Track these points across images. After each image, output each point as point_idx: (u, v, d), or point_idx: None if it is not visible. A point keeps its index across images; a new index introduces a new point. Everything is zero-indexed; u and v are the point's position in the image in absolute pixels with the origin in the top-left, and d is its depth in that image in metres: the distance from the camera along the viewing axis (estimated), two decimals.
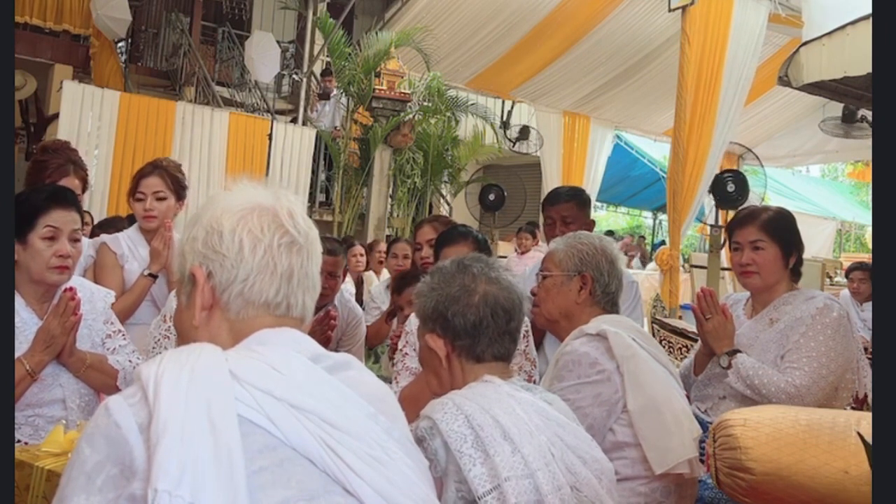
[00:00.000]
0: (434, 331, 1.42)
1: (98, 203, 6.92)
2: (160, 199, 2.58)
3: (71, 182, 2.44)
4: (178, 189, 2.64)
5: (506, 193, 9.11)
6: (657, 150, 12.05)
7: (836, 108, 8.42)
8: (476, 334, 1.39)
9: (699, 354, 2.28)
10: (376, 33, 8.62)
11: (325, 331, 2.56)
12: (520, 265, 6.50)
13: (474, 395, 1.32)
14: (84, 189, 2.60)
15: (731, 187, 6.24)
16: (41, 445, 1.56)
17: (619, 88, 9.62)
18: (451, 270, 1.44)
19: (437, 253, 2.49)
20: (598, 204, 13.31)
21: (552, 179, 9.68)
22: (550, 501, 1.22)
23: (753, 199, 9.20)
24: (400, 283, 2.97)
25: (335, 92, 9.21)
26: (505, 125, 10.02)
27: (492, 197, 9.11)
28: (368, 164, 8.68)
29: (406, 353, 2.25)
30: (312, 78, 9.45)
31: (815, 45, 4.13)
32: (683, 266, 7.66)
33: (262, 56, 8.67)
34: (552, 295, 1.90)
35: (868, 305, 5.58)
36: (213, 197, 1.01)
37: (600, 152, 10.39)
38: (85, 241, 2.41)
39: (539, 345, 2.54)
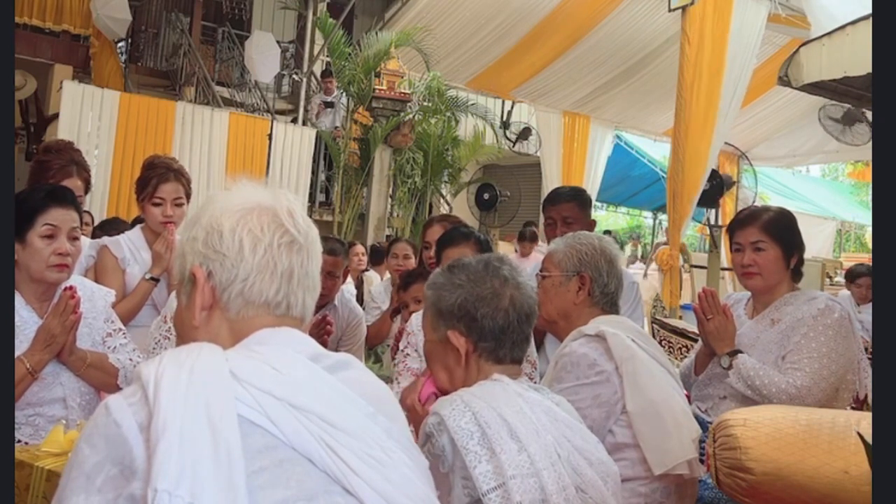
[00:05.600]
0: (457, 328, 1.41)
1: (98, 203, 6.92)
2: (178, 205, 2.56)
3: (73, 183, 2.42)
4: (190, 192, 2.64)
5: (500, 192, 9.12)
6: (657, 150, 12.04)
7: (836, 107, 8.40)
8: (502, 338, 1.40)
9: (700, 354, 2.28)
10: (376, 33, 8.63)
11: (322, 335, 2.55)
12: (521, 266, 6.48)
13: (483, 392, 1.32)
14: (87, 190, 2.59)
15: (706, 186, 6.28)
16: (41, 445, 1.56)
17: (619, 88, 9.61)
18: (478, 269, 1.43)
19: (438, 254, 2.48)
20: (598, 204, 13.29)
21: (552, 179, 9.67)
22: (555, 501, 1.22)
23: (748, 198, 9.23)
24: (406, 280, 2.97)
25: (336, 93, 9.22)
26: (505, 125, 10.01)
27: (486, 196, 9.12)
28: (368, 164, 8.68)
29: (407, 354, 2.25)
30: (314, 80, 9.45)
31: (815, 45, 4.12)
32: (683, 266, 7.67)
33: (262, 56, 8.67)
34: (551, 296, 1.90)
35: (865, 307, 5.57)
36: (212, 197, 1.00)
37: (600, 152, 10.38)
38: (85, 241, 2.41)
39: (539, 345, 2.54)
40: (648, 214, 15.95)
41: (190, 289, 0.97)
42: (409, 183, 9.09)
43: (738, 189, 9.73)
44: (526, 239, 7.49)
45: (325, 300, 2.94)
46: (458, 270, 1.45)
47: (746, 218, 2.24)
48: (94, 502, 0.77)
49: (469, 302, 1.39)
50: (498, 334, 1.39)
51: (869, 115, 7.39)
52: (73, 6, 9.21)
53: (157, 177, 2.55)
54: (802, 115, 10.00)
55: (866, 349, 2.33)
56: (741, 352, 2.11)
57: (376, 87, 8.28)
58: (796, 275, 2.22)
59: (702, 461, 1.73)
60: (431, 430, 1.28)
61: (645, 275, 7.86)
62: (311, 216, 1.13)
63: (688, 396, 2.22)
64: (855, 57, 3.77)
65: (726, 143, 7.23)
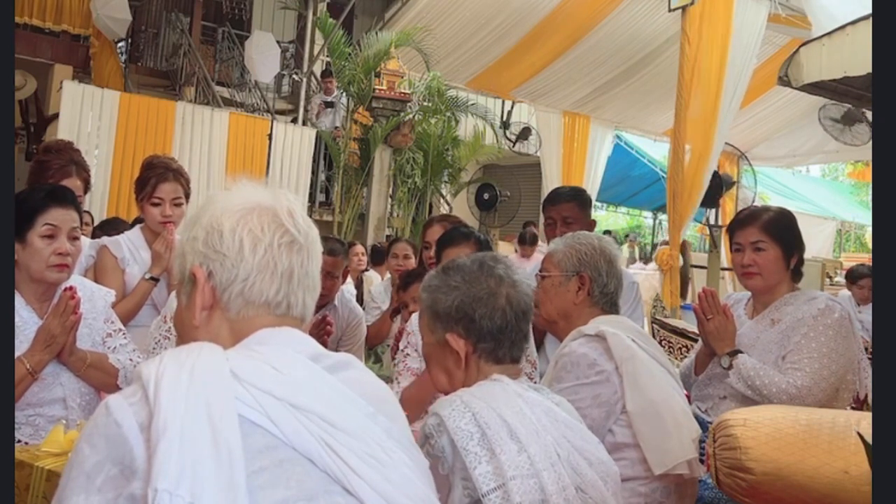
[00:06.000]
0: (455, 330, 1.39)
1: (98, 203, 6.92)
2: (177, 205, 2.56)
3: (73, 183, 2.42)
4: (189, 192, 2.64)
5: (500, 192, 9.12)
6: (657, 150, 12.05)
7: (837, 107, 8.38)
8: (500, 338, 1.39)
9: (700, 354, 2.28)
10: (376, 33, 8.63)
11: (321, 335, 2.55)
12: (521, 267, 6.48)
13: (483, 393, 1.32)
14: (86, 190, 2.58)
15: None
16: (41, 445, 1.55)
17: (619, 88, 9.62)
18: (473, 269, 1.42)
19: (438, 253, 2.48)
20: (598, 204, 13.30)
21: (552, 179, 9.68)
22: (555, 502, 1.22)
23: (748, 198, 9.22)
24: (406, 280, 2.97)
25: (336, 93, 9.22)
26: (505, 125, 10.02)
27: (486, 196, 9.12)
28: (368, 164, 8.68)
29: (407, 354, 2.25)
30: (314, 80, 9.45)
31: (815, 45, 4.13)
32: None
33: (262, 56, 8.68)
34: (550, 296, 1.90)
35: (866, 307, 5.57)
36: (212, 197, 1.00)
37: (600, 152, 10.39)
38: (85, 241, 2.41)
39: (539, 345, 2.54)
40: (648, 214, 15.96)
41: (190, 289, 0.97)
42: (409, 183, 9.09)
43: (738, 189, 9.74)
44: (526, 242, 7.49)
45: (324, 300, 2.94)
46: (453, 272, 1.43)
47: (746, 218, 2.23)
48: (95, 502, 0.77)
49: (466, 303, 1.38)
50: (496, 334, 1.38)
51: (869, 115, 7.39)
52: (73, 6, 9.21)
53: (156, 176, 2.55)
54: (802, 115, 10.00)
55: (866, 349, 2.33)
56: (741, 352, 2.11)
57: (376, 87, 8.28)
58: (796, 275, 2.22)
59: (702, 461, 1.73)
60: (431, 430, 1.27)
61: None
62: (311, 216, 1.13)
63: (688, 396, 2.22)
64: (855, 57, 3.77)
65: (726, 143, 7.23)
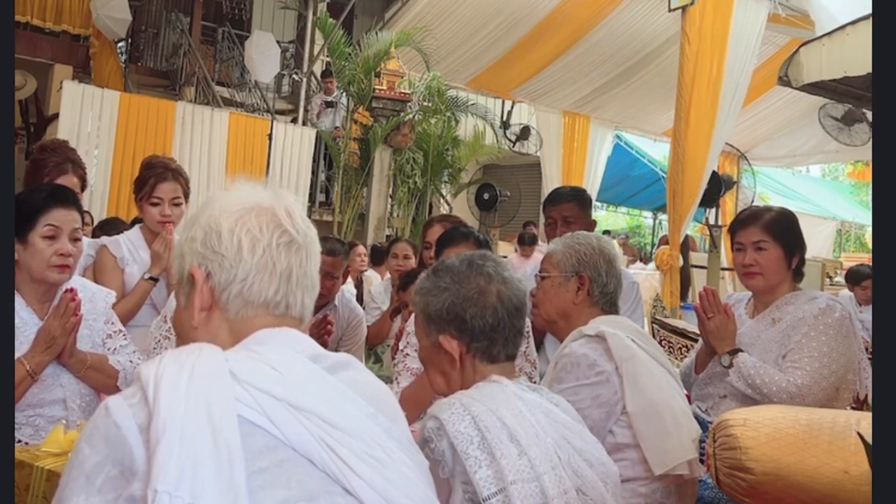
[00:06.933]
0: (447, 332, 1.39)
1: (98, 203, 6.93)
2: (176, 205, 2.56)
3: (69, 180, 2.42)
4: (188, 192, 2.64)
5: (500, 192, 9.13)
6: (657, 150, 12.05)
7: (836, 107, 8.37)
8: (493, 336, 1.38)
9: (701, 353, 2.28)
10: (376, 33, 8.63)
11: (322, 335, 2.55)
12: (521, 266, 6.49)
13: (481, 395, 1.31)
14: (83, 188, 2.58)
15: (706, 186, 6.34)
16: (41, 445, 1.55)
17: (619, 88, 9.62)
18: (462, 270, 1.41)
19: (438, 253, 2.49)
20: (598, 204, 13.31)
21: (552, 179, 9.68)
22: None
23: (748, 198, 9.22)
24: (406, 281, 2.97)
25: (336, 93, 9.22)
26: (505, 125, 10.02)
27: (486, 196, 9.13)
28: (368, 164, 8.68)
29: (407, 354, 2.25)
30: (314, 80, 9.45)
31: (815, 45, 4.13)
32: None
33: (262, 56, 8.68)
34: (550, 296, 1.89)
35: (867, 308, 5.57)
36: (211, 197, 1.00)
37: (600, 152, 10.39)
38: (85, 240, 2.41)
39: (539, 345, 2.54)
40: (648, 214, 15.96)
41: (189, 289, 0.97)
42: (409, 183, 9.09)
43: (738, 189, 9.74)
44: (526, 242, 7.50)
45: (324, 300, 2.94)
46: (443, 273, 1.43)
47: (748, 218, 2.23)
48: (94, 503, 0.77)
49: (456, 304, 1.38)
50: (489, 333, 1.38)
51: (869, 115, 7.39)
52: (73, 6, 9.21)
53: (155, 176, 2.55)
54: (802, 115, 10.00)
55: (867, 349, 2.32)
56: (742, 351, 2.11)
57: (376, 87, 8.28)
58: (798, 275, 2.22)
59: (702, 461, 1.73)
60: (430, 434, 1.26)
61: None
62: (311, 216, 1.13)
63: (688, 397, 2.22)
64: (855, 57, 3.78)
65: (726, 143, 7.24)
